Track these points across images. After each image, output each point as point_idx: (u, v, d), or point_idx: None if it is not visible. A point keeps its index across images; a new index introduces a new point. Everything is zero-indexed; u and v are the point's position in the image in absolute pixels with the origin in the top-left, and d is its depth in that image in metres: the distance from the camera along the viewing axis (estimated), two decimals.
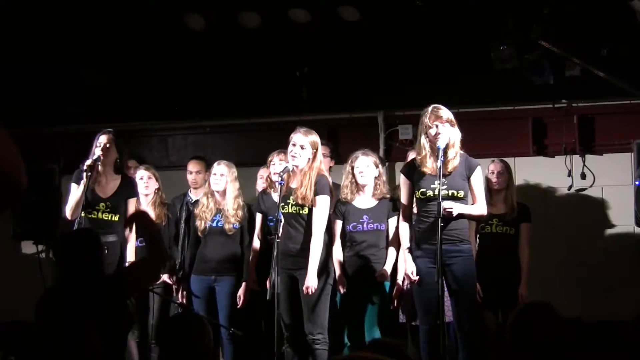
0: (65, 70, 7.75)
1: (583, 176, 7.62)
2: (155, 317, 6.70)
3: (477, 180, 5.57)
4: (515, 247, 6.59)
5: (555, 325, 3.35)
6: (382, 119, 8.08)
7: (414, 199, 5.61)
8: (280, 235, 5.71)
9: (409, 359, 3.29)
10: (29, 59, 7.56)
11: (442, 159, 5.33)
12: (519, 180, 7.43)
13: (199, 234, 6.62)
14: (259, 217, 6.32)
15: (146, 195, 6.76)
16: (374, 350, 3.08)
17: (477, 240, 6.56)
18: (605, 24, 6.46)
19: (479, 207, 5.55)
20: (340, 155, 7.35)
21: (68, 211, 6.16)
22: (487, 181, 6.51)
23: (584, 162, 7.62)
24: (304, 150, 5.87)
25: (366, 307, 6.21)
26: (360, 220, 6.27)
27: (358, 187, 6.32)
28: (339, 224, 6.31)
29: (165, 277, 6.80)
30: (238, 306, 6.39)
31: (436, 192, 5.36)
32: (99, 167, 6.21)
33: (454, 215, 5.37)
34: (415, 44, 7.34)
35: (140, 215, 4.78)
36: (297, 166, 5.87)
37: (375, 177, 6.33)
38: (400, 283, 6.24)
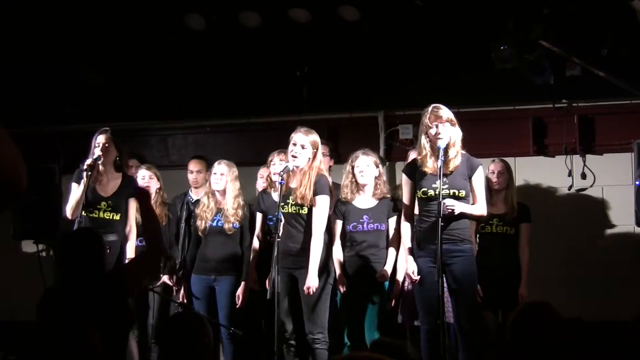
0: (65, 70, 7.75)
1: (583, 176, 7.62)
2: (155, 316, 6.70)
3: (479, 180, 5.56)
4: (515, 247, 6.59)
5: (555, 325, 3.35)
6: (382, 119, 8.09)
7: (416, 198, 5.61)
8: (280, 234, 5.72)
9: (409, 359, 3.29)
10: (29, 59, 7.56)
11: (442, 158, 5.33)
12: (519, 180, 7.43)
13: (200, 233, 6.62)
14: (259, 216, 6.32)
15: None
16: (376, 350, 3.08)
17: (477, 240, 6.55)
18: (605, 24, 6.46)
19: (480, 207, 5.55)
20: (340, 155, 7.35)
21: (68, 211, 6.16)
22: (488, 181, 6.51)
23: (584, 162, 7.62)
24: (304, 150, 5.87)
25: (366, 307, 6.21)
26: (361, 220, 6.27)
27: (358, 187, 6.32)
28: (339, 224, 6.31)
29: (165, 279, 6.81)
30: (237, 306, 6.39)
31: (437, 192, 5.36)
32: (100, 167, 6.21)
33: (456, 214, 5.37)
34: (416, 43, 7.34)
35: (146, 209, 4.77)
36: (297, 166, 5.87)
37: (376, 177, 6.33)
38: (401, 282, 6.25)
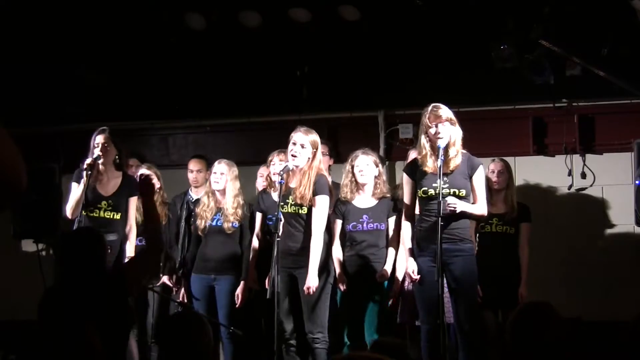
0: (65, 70, 7.75)
1: (583, 176, 7.62)
2: (155, 315, 6.70)
3: (479, 180, 5.56)
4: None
5: (555, 325, 3.35)
6: (382, 118, 8.08)
7: (417, 198, 5.61)
8: (280, 234, 5.72)
9: (410, 358, 3.29)
10: (29, 59, 7.56)
11: (442, 158, 5.33)
12: (519, 179, 7.43)
13: (200, 233, 6.62)
14: (258, 216, 6.32)
15: None
16: (377, 350, 3.08)
17: (477, 239, 6.55)
18: (605, 24, 6.46)
19: (480, 206, 5.54)
20: (340, 154, 7.35)
21: (68, 210, 6.16)
22: (487, 180, 6.50)
23: (584, 161, 7.62)
24: (304, 149, 5.87)
25: (366, 306, 6.21)
26: (360, 219, 6.27)
27: (358, 186, 6.32)
28: (338, 223, 6.31)
29: (165, 279, 6.81)
30: (237, 305, 6.39)
31: (437, 191, 5.35)
32: (100, 166, 6.22)
33: (457, 212, 5.37)
34: (416, 43, 7.34)
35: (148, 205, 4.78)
36: (297, 165, 5.87)
37: (375, 177, 6.33)
38: (401, 282, 6.25)
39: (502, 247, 6.56)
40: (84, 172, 6.08)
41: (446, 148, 5.41)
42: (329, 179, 6.12)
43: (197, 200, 6.83)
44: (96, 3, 7.21)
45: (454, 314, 5.54)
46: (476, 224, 6.37)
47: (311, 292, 5.77)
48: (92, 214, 6.19)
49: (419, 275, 5.48)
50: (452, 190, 5.41)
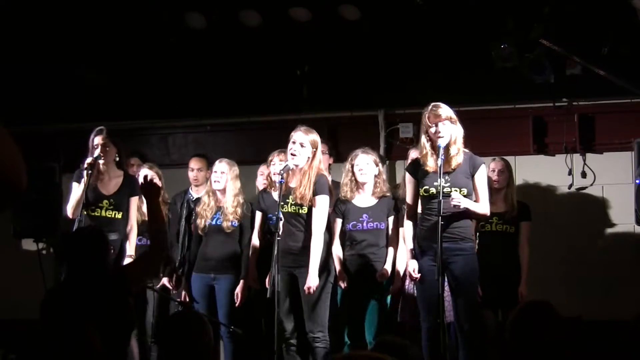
0: (65, 70, 7.75)
1: (583, 175, 7.62)
2: (155, 315, 6.70)
3: (481, 179, 5.55)
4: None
5: (555, 324, 3.35)
6: (382, 118, 8.08)
7: (419, 197, 5.60)
8: (280, 233, 5.72)
9: (411, 358, 3.28)
10: (29, 59, 7.56)
11: (442, 157, 5.33)
12: (519, 179, 7.43)
13: (200, 232, 6.62)
14: (258, 215, 6.32)
15: None
16: (380, 349, 3.08)
17: (477, 238, 6.55)
18: (605, 23, 6.46)
19: (483, 205, 5.53)
20: (340, 153, 7.35)
21: (69, 210, 6.16)
22: (488, 179, 6.50)
23: (584, 160, 7.62)
24: (303, 149, 5.87)
25: (366, 306, 6.21)
26: (360, 219, 6.27)
27: (358, 185, 6.32)
28: (338, 223, 6.31)
29: (164, 281, 6.80)
30: (236, 304, 6.39)
31: (441, 190, 5.34)
32: (101, 166, 6.22)
33: (461, 208, 5.36)
34: (416, 42, 7.34)
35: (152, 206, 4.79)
36: (296, 165, 5.87)
37: (375, 176, 6.33)
38: (402, 281, 6.25)
39: (502, 246, 6.56)
40: (85, 172, 6.08)
41: (447, 147, 5.41)
42: (329, 179, 6.12)
43: (198, 199, 6.83)
44: (96, 3, 7.21)
45: (454, 313, 5.54)
46: (476, 222, 6.37)
47: (311, 292, 5.77)
48: (93, 214, 6.19)
49: (420, 274, 5.48)
50: (453, 189, 5.40)
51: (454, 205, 5.34)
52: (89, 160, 6.11)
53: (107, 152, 6.22)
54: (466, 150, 5.55)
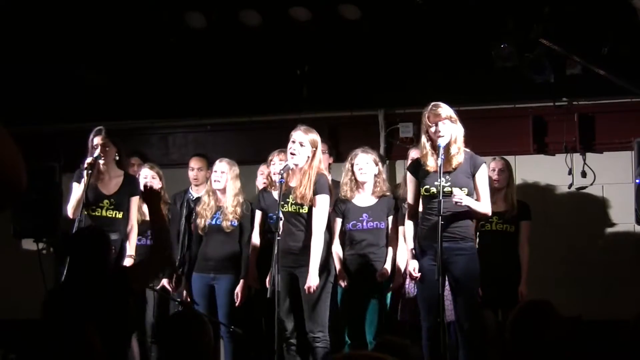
0: (65, 70, 7.75)
1: (583, 174, 7.62)
2: (155, 315, 6.69)
3: (482, 178, 5.54)
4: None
5: (555, 324, 3.35)
6: (382, 117, 8.08)
7: (420, 197, 5.60)
8: (280, 233, 5.72)
9: (412, 358, 3.28)
10: (29, 59, 7.56)
11: (442, 157, 5.32)
12: (519, 178, 7.43)
13: (200, 231, 6.62)
14: (258, 214, 6.32)
15: None
16: (382, 349, 3.08)
17: (477, 238, 6.55)
18: (605, 23, 6.46)
19: (485, 205, 5.52)
20: (341, 153, 7.35)
21: (69, 210, 6.16)
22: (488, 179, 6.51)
23: (584, 160, 7.62)
24: (302, 148, 5.87)
25: (367, 305, 6.21)
26: (360, 218, 6.27)
27: (358, 185, 6.32)
28: (338, 222, 6.31)
29: (164, 282, 6.79)
30: (236, 304, 6.39)
31: (441, 190, 5.33)
32: (101, 166, 6.21)
33: (463, 205, 5.35)
34: (416, 42, 7.34)
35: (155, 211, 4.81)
36: (296, 164, 5.87)
37: (375, 175, 6.33)
38: (402, 280, 6.25)
39: (502, 245, 6.56)
40: (85, 172, 6.07)
41: (447, 146, 5.40)
42: (329, 178, 6.12)
43: (198, 199, 6.83)
44: (96, 3, 7.21)
45: (454, 313, 5.54)
46: (476, 222, 6.37)
47: (311, 291, 5.77)
48: (94, 213, 6.19)
49: (420, 274, 5.48)
50: (454, 189, 5.40)
51: (456, 202, 5.33)
52: (89, 160, 6.11)
53: (106, 152, 6.22)
54: (467, 150, 5.55)
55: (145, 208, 6.60)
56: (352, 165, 6.32)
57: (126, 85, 8.13)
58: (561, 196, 7.71)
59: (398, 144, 7.96)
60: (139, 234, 6.46)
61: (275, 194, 6.00)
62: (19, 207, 6.84)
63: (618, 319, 4.07)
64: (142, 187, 5.53)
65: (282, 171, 5.83)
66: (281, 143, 6.23)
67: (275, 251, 5.68)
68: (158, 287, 6.74)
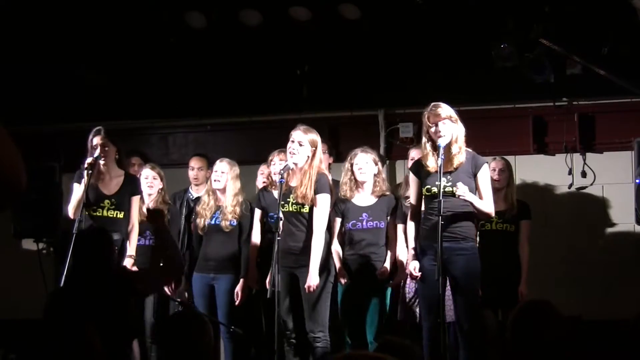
0: (65, 70, 7.75)
1: (583, 174, 7.62)
2: (155, 315, 6.69)
3: (484, 178, 5.53)
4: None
5: (555, 323, 3.35)
6: (382, 117, 8.08)
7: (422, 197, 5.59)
8: (280, 233, 5.72)
9: (414, 359, 3.28)
10: (29, 59, 7.56)
11: (442, 157, 5.32)
12: (519, 178, 7.43)
13: (200, 231, 6.62)
14: (257, 213, 6.32)
15: (149, 194, 6.73)
16: (384, 350, 3.08)
17: (477, 238, 6.54)
18: (605, 23, 6.46)
19: (487, 204, 5.51)
20: (341, 153, 7.35)
21: (70, 210, 6.15)
22: None
23: (584, 160, 7.62)
24: (302, 147, 5.87)
25: (367, 305, 6.21)
26: (360, 218, 6.27)
27: (357, 184, 6.32)
28: (337, 222, 6.31)
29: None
30: (236, 303, 6.39)
31: (441, 189, 5.33)
32: (101, 166, 6.21)
33: (466, 201, 5.34)
34: (416, 42, 7.34)
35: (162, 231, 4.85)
36: (296, 163, 5.87)
37: (375, 175, 6.33)
38: (405, 276, 6.26)
39: (502, 245, 6.56)
40: (85, 172, 6.07)
41: (448, 146, 5.39)
42: (330, 178, 6.12)
43: (198, 199, 6.83)
44: (96, 3, 7.21)
45: (454, 313, 5.54)
46: (476, 222, 6.36)
47: (312, 291, 5.77)
48: (95, 213, 6.19)
49: (421, 273, 5.48)
50: (454, 188, 5.39)
51: (458, 196, 5.32)
52: (89, 160, 6.10)
53: (106, 152, 6.21)
54: (469, 150, 5.54)
55: (145, 208, 6.62)
56: (351, 165, 6.32)
57: (126, 85, 8.13)
58: (561, 196, 7.70)
59: (398, 144, 7.96)
60: (138, 234, 6.45)
61: (275, 194, 6.00)
62: (19, 207, 6.85)
63: (618, 319, 4.07)
64: (144, 210, 5.55)
65: (282, 171, 5.83)
66: (281, 143, 6.22)
67: (275, 251, 5.68)
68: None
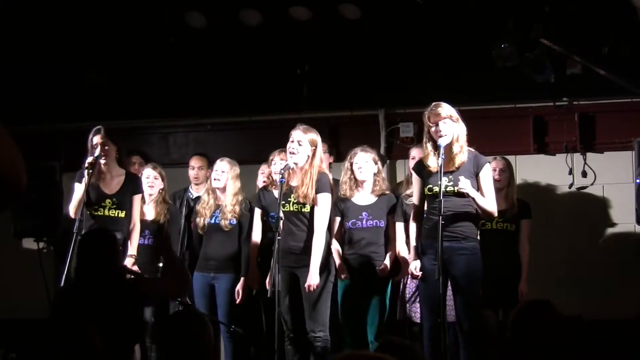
0: (65, 69, 7.75)
1: (584, 174, 7.62)
2: (155, 315, 6.69)
3: (486, 178, 5.52)
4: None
5: (555, 323, 3.35)
6: (383, 117, 8.08)
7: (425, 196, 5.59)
8: (280, 232, 5.72)
9: (415, 358, 3.27)
10: (29, 59, 7.56)
11: (443, 157, 5.32)
12: (519, 178, 7.41)
13: (199, 230, 6.63)
14: (258, 212, 6.32)
15: (150, 195, 6.72)
16: (385, 350, 3.08)
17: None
18: (606, 22, 6.46)
19: (490, 202, 5.49)
20: (341, 153, 7.35)
21: (71, 210, 6.15)
22: None
23: (584, 160, 7.62)
24: (301, 147, 5.87)
25: (367, 305, 6.21)
26: (360, 217, 6.27)
27: (357, 184, 6.32)
28: (337, 221, 6.31)
29: None
30: (237, 302, 6.39)
31: (443, 189, 5.32)
32: (102, 166, 6.21)
33: (467, 194, 5.34)
34: (416, 41, 7.34)
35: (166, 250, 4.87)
36: (296, 163, 5.87)
37: (374, 174, 6.33)
38: (403, 281, 6.26)
39: (503, 244, 6.55)
40: (85, 171, 6.07)
41: (449, 145, 5.39)
42: (330, 177, 6.12)
43: (198, 198, 6.84)
44: (96, 3, 7.20)
45: (455, 313, 5.54)
46: None
47: (312, 290, 5.77)
48: (96, 213, 6.19)
49: (421, 272, 5.48)
50: (456, 188, 5.39)
51: (460, 189, 5.32)
52: (89, 159, 6.10)
53: (107, 151, 6.21)
54: (471, 150, 5.54)
55: (145, 208, 6.62)
56: (351, 164, 6.32)
57: (126, 85, 8.13)
58: (562, 196, 7.70)
59: (398, 144, 7.96)
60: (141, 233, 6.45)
61: (276, 193, 6.00)
62: (20, 206, 6.84)
63: (618, 319, 4.07)
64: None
65: (282, 170, 5.83)
66: (281, 143, 6.23)
67: (276, 251, 5.68)
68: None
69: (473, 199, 5.39)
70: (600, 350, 5.60)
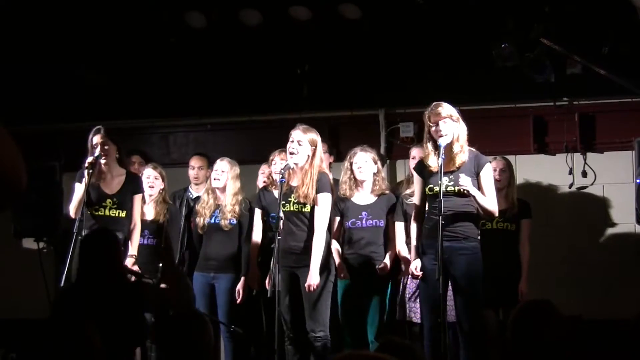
0: (65, 69, 7.75)
1: (584, 174, 7.61)
2: (154, 315, 6.69)
3: (487, 177, 5.52)
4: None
5: (555, 323, 3.35)
6: (383, 117, 8.08)
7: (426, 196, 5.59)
8: (281, 232, 5.72)
9: (415, 358, 3.27)
10: (29, 59, 7.56)
11: (443, 157, 5.31)
12: (519, 178, 7.41)
13: (199, 230, 6.63)
14: (258, 212, 6.32)
15: (150, 195, 6.72)
16: (385, 350, 3.08)
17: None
18: (606, 22, 6.46)
19: (491, 201, 5.49)
20: (341, 153, 7.35)
21: (71, 210, 6.15)
22: None
23: (585, 160, 7.62)
24: (301, 147, 5.87)
25: (368, 305, 6.21)
26: (359, 216, 6.27)
27: (357, 183, 6.33)
28: (336, 220, 6.31)
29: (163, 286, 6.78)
30: (237, 301, 6.39)
31: (443, 189, 5.32)
32: (102, 165, 6.21)
33: (468, 192, 5.33)
34: (416, 41, 7.34)
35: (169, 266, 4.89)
36: (296, 163, 5.87)
37: (374, 173, 6.33)
38: (403, 280, 6.26)
39: (503, 244, 6.55)
40: (86, 171, 6.07)
41: (450, 145, 5.39)
42: (330, 177, 6.12)
43: (197, 198, 6.84)
44: (96, 3, 7.20)
45: (455, 313, 5.54)
46: None
47: (312, 290, 5.77)
48: (97, 213, 6.18)
49: (421, 272, 5.48)
50: (457, 188, 5.39)
51: (461, 187, 5.31)
52: (89, 159, 6.10)
53: (107, 151, 6.21)
54: (472, 149, 5.53)
55: (145, 208, 6.62)
56: (351, 164, 6.32)
57: (126, 85, 8.13)
58: (562, 196, 7.70)
59: (399, 144, 7.96)
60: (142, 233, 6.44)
61: (276, 193, 6.00)
62: (20, 206, 6.84)
63: (618, 319, 4.07)
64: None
65: (282, 170, 5.83)
66: (281, 143, 6.23)
67: (276, 251, 5.68)
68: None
69: (474, 197, 5.38)
70: (600, 350, 5.60)
